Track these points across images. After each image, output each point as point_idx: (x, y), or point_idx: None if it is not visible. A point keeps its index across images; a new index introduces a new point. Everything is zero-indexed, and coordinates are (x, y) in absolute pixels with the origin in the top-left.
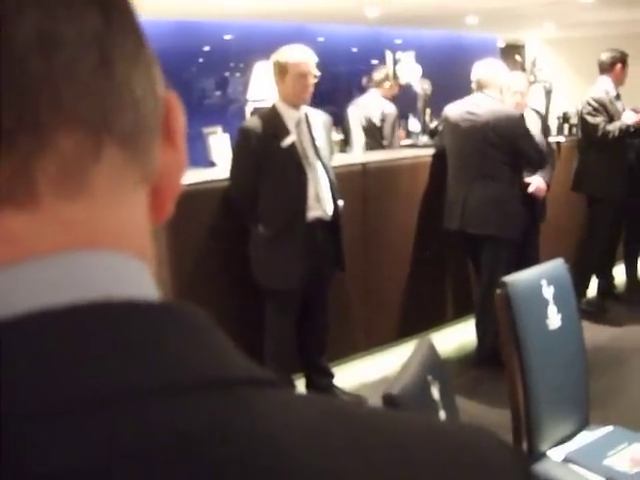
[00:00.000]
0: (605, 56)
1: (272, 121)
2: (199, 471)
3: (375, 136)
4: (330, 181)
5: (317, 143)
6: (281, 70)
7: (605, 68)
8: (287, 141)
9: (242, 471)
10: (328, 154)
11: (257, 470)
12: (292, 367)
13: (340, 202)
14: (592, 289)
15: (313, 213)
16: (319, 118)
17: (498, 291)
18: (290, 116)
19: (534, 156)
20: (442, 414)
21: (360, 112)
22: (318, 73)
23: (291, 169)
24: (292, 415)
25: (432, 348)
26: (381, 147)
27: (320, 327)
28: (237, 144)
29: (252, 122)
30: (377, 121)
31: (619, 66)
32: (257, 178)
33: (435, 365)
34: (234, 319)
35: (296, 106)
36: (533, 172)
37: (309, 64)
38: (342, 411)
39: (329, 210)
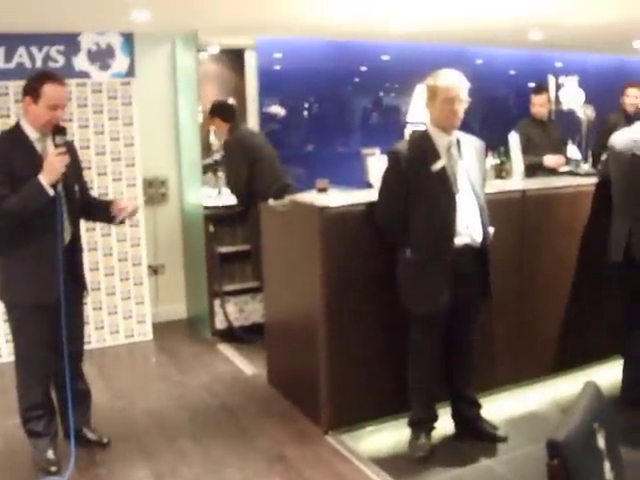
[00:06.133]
0: None
1: (422, 145)
2: None
3: None
4: (480, 208)
5: (468, 169)
6: (431, 94)
7: None
8: (437, 165)
9: None
10: (480, 180)
11: None
12: (437, 395)
13: (490, 229)
14: None
15: (461, 240)
16: (471, 143)
17: None
18: (441, 140)
19: None
20: (607, 465)
21: None
22: (468, 99)
23: (441, 194)
24: None
25: (599, 393)
26: None
27: (467, 356)
28: (387, 168)
29: (401, 145)
30: None
31: None
32: (406, 202)
33: (602, 412)
34: (380, 336)
35: (446, 130)
36: None
37: (459, 89)
38: None
39: (478, 237)
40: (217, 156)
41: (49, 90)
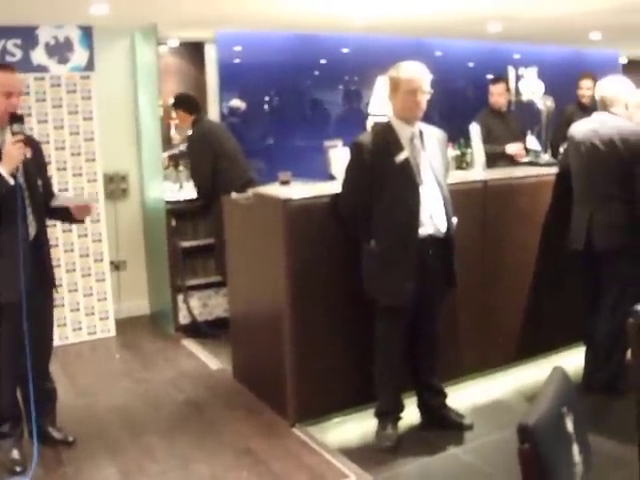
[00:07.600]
0: None
1: (385, 137)
2: None
3: None
4: (444, 198)
5: (431, 159)
6: (394, 86)
7: None
8: (400, 157)
9: None
10: (443, 171)
11: None
12: (403, 385)
13: (454, 219)
14: None
15: (425, 230)
16: (434, 134)
17: (631, 320)
18: (404, 132)
19: None
20: (575, 448)
21: None
22: (431, 90)
23: (405, 185)
24: None
25: (566, 377)
26: None
27: (432, 345)
28: (350, 160)
29: (365, 137)
30: None
31: None
32: (370, 193)
33: (570, 396)
34: (345, 328)
35: (409, 122)
36: None
37: (421, 81)
38: None
39: (442, 227)
40: (182, 147)
41: (0, 78)
